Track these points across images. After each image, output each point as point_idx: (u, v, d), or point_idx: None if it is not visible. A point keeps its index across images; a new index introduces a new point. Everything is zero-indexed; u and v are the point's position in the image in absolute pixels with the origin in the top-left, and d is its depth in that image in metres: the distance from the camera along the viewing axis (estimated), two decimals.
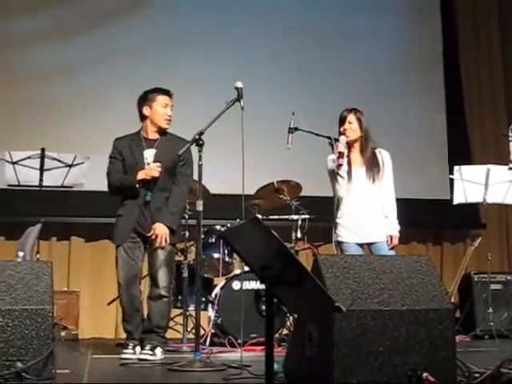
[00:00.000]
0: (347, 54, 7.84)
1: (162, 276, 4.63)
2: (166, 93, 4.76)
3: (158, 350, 4.57)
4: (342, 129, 4.90)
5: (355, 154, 4.93)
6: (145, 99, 4.76)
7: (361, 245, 4.87)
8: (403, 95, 7.84)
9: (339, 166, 4.76)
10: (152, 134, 4.76)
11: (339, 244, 4.89)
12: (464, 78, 8.31)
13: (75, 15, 7.35)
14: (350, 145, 4.89)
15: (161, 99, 4.73)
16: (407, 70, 8.03)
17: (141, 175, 4.63)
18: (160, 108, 4.72)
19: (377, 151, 4.94)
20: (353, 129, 4.89)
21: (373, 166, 4.88)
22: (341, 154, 4.75)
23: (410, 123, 7.81)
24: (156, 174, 4.63)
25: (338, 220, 4.90)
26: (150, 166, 4.65)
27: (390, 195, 4.92)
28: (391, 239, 4.83)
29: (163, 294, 4.63)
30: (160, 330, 4.66)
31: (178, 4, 7.67)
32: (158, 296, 4.62)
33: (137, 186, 4.63)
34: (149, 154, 4.71)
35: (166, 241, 4.60)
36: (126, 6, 7.56)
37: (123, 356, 4.56)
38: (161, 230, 4.60)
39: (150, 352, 4.53)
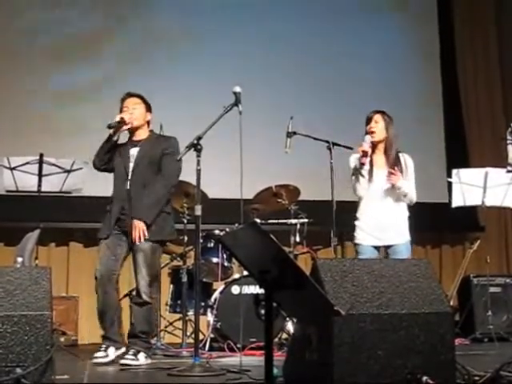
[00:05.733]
0: (347, 57, 7.85)
1: (143, 282, 4.63)
2: (123, 99, 4.89)
3: (142, 355, 4.57)
4: (368, 127, 4.88)
5: (378, 156, 4.90)
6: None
7: (377, 247, 4.84)
8: (400, 99, 7.85)
9: (362, 164, 4.75)
10: (134, 136, 4.86)
11: (355, 246, 4.89)
12: (461, 81, 8.34)
13: (77, 23, 7.39)
14: (374, 146, 4.86)
15: (121, 106, 4.87)
16: (405, 73, 8.04)
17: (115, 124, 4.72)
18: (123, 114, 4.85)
19: (400, 155, 4.93)
20: (379, 128, 4.87)
21: (395, 168, 4.84)
22: (364, 153, 4.74)
23: (407, 126, 7.81)
24: (124, 115, 4.74)
25: (356, 222, 4.89)
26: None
27: (410, 199, 4.89)
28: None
29: (146, 301, 4.63)
30: (144, 335, 4.67)
31: (176, 6, 7.69)
32: (140, 303, 4.65)
33: (114, 137, 4.74)
34: (134, 151, 4.79)
35: (143, 235, 4.59)
36: (121, 8, 7.59)
37: (94, 361, 4.53)
38: (135, 226, 4.61)
39: (132, 357, 4.52)
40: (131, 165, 4.75)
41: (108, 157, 4.78)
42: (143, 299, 4.63)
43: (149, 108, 4.90)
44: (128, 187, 4.70)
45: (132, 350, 4.58)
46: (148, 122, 4.91)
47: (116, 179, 4.80)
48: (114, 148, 4.79)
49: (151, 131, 4.94)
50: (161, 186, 4.71)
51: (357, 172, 4.80)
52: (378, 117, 4.90)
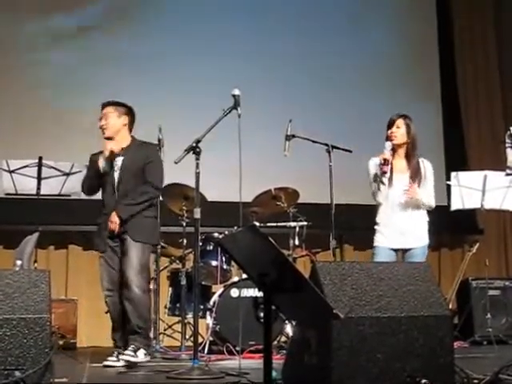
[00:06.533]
0: (346, 60, 7.85)
1: (133, 277, 4.65)
2: (101, 108, 4.92)
3: (141, 352, 4.62)
4: (389, 132, 4.86)
5: (398, 161, 4.88)
6: None
7: (396, 250, 4.83)
8: (400, 101, 7.84)
9: (383, 173, 4.73)
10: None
11: (373, 249, 4.88)
12: (460, 84, 8.33)
13: (78, 26, 7.40)
14: (394, 150, 4.85)
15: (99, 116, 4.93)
16: (404, 76, 8.04)
17: (101, 160, 4.75)
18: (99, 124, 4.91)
19: (420, 160, 4.92)
20: (400, 133, 4.84)
21: (416, 174, 4.85)
22: (385, 161, 4.72)
23: None
24: (109, 145, 4.76)
25: (376, 227, 4.87)
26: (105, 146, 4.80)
27: (429, 206, 4.92)
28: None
29: (137, 293, 4.65)
30: (141, 330, 4.70)
31: (176, 7, 7.69)
32: (131, 298, 4.65)
33: (101, 167, 4.75)
34: (118, 161, 4.82)
35: (117, 228, 4.67)
36: (119, 9, 7.60)
37: (106, 363, 4.63)
38: (111, 221, 4.69)
39: (132, 353, 4.57)
40: (116, 175, 4.79)
41: (98, 184, 4.86)
42: (134, 292, 4.63)
43: (122, 112, 4.89)
44: (116, 198, 4.76)
45: (132, 346, 4.62)
46: (126, 125, 4.90)
47: (104, 192, 4.86)
48: (103, 176, 4.83)
49: (133, 137, 4.93)
50: (143, 189, 4.76)
51: (377, 179, 4.77)
52: (399, 122, 4.86)
